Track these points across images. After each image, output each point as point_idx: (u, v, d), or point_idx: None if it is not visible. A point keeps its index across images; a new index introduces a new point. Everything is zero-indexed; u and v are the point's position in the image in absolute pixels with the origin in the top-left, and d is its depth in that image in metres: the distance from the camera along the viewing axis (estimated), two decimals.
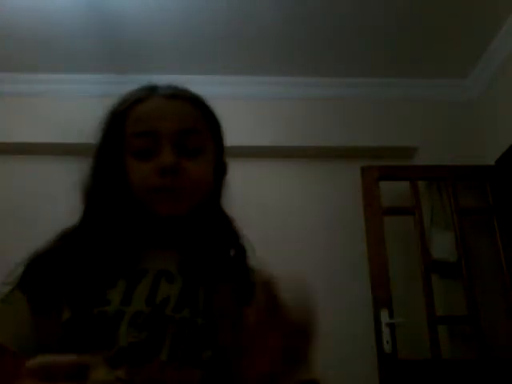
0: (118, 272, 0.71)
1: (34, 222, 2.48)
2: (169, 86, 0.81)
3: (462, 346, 2.43)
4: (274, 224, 2.69)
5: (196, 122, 0.78)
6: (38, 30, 2.50)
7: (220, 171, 0.84)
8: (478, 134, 2.80)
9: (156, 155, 0.74)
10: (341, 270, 2.60)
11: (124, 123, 0.77)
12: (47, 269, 0.71)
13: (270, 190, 2.77)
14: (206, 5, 2.38)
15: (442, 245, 2.54)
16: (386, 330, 2.28)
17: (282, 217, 2.72)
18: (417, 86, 2.88)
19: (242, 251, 0.81)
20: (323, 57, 2.73)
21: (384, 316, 2.30)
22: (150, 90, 0.80)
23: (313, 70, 2.81)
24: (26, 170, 2.76)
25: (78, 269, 0.71)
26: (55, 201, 2.61)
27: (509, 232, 2.48)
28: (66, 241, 0.76)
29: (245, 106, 2.84)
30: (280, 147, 2.81)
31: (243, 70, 2.80)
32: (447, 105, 2.88)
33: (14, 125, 2.77)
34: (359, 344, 2.43)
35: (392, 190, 2.62)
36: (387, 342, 2.26)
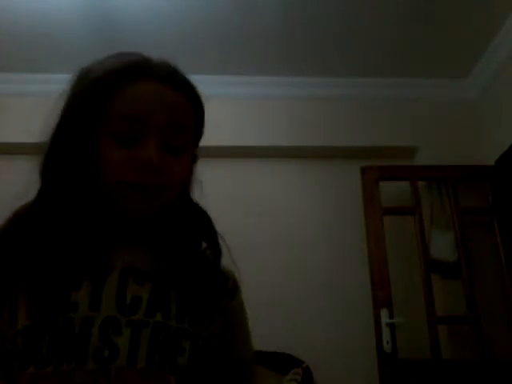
0: (81, 269, 0.64)
1: None
2: (164, 66, 0.73)
3: (461, 346, 2.44)
4: (273, 224, 2.69)
5: (186, 118, 0.71)
6: (38, 30, 2.50)
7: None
8: (478, 133, 2.80)
9: (137, 144, 0.66)
10: (341, 270, 2.60)
11: (108, 100, 0.67)
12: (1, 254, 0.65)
13: (269, 189, 2.77)
14: (205, 5, 2.38)
15: (442, 245, 2.54)
16: (385, 330, 2.28)
17: (282, 217, 2.72)
18: (417, 86, 2.88)
19: (217, 250, 0.75)
20: (323, 57, 2.73)
21: (384, 316, 2.30)
22: (144, 68, 0.70)
23: (313, 70, 2.81)
24: (25, 170, 2.76)
25: (34, 261, 0.63)
26: None
27: (509, 232, 2.48)
28: (19, 225, 0.68)
29: (245, 106, 2.84)
30: (280, 147, 2.81)
31: (243, 70, 2.80)
32: (447, 105, 2.88)
33: (13, 125, 2.76)
34: (359, 344, 2.43)
35: (392, 190, 2.62)
36: (387, 342, 2.26)
